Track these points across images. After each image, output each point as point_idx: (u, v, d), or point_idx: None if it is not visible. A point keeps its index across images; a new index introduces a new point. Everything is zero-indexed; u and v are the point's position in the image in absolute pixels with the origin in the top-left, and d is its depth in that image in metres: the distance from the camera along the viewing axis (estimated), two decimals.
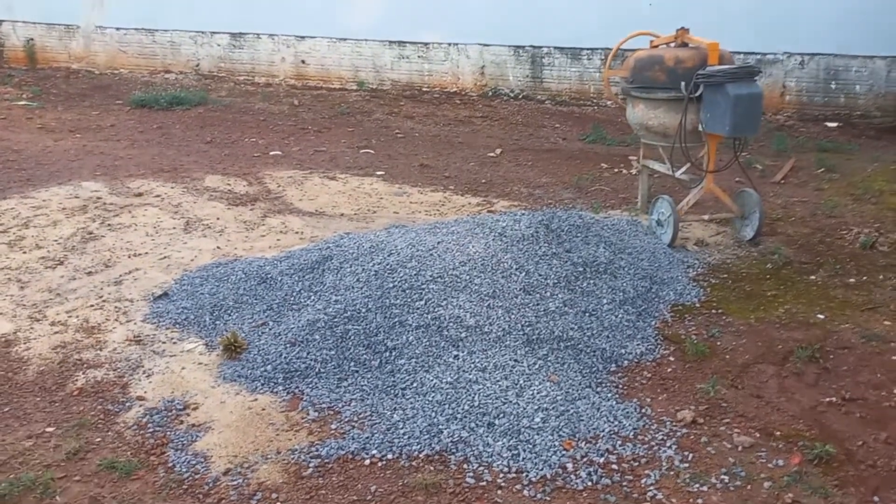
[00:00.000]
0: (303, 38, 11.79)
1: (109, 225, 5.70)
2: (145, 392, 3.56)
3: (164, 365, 3.78)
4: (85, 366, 3.79)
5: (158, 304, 4.43)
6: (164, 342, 4.01)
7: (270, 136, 8.86)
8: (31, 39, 13.29)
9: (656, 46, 5.54)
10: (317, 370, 3.66)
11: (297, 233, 5.58)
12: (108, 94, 11.30)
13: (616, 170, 7.32)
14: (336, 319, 3.90)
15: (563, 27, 10.20)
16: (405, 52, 11.32)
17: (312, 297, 4.23)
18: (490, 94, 10.90)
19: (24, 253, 5.17)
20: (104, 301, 4.47)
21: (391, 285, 4.01)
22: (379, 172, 7.26)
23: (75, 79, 12.40)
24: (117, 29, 12.72)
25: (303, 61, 11.89)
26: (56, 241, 5.39)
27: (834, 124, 8.84)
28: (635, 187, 6.44)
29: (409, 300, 3.91)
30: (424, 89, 11.35)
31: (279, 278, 4.52)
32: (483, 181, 6.97)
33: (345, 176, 7.12)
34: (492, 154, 8.02)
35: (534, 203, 6.26)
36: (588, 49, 10.19)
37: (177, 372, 3.72)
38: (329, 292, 4.18)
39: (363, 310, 3.92)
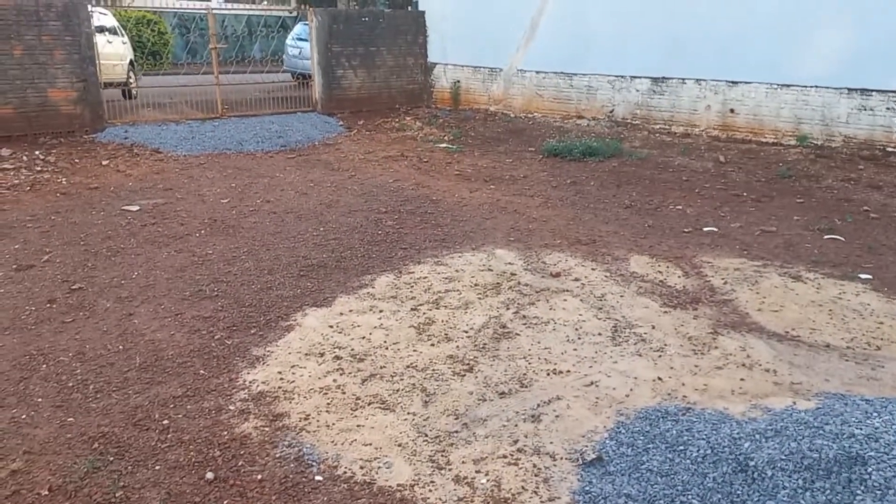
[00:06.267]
0: (735, 83, 9.87)
1: (524, 316, 4.57)
2: None
3: None
4: None
5: (590, 474, 3.06)
6: None
7: (698, 204, 7.17)
8: (458, 81, 13.46)
9: None
10: None
11: (767, 371, 3.81)
12: (521, 139, 10.68)
13: None
14: None
15: None
16: (869, 101, 8.72)
17: None
18: None
19: (433, 346, 4.25)
20: (519, 450, 3.24)
21: None
22: (863, 275, 5.11)
23: (492, 121, 12.13)
24: (537, 72, 12.17)
25: (731, 110, 9.96)
26: (466, 332, 4.40)
27: None
28: None
29: None
30: (890, 149, 8.64)
31: (767, 472, 2.83)
32: None
33: (813, 276, 5.12)
34: None
35: None
36: None
37: None
38: None
39: None
